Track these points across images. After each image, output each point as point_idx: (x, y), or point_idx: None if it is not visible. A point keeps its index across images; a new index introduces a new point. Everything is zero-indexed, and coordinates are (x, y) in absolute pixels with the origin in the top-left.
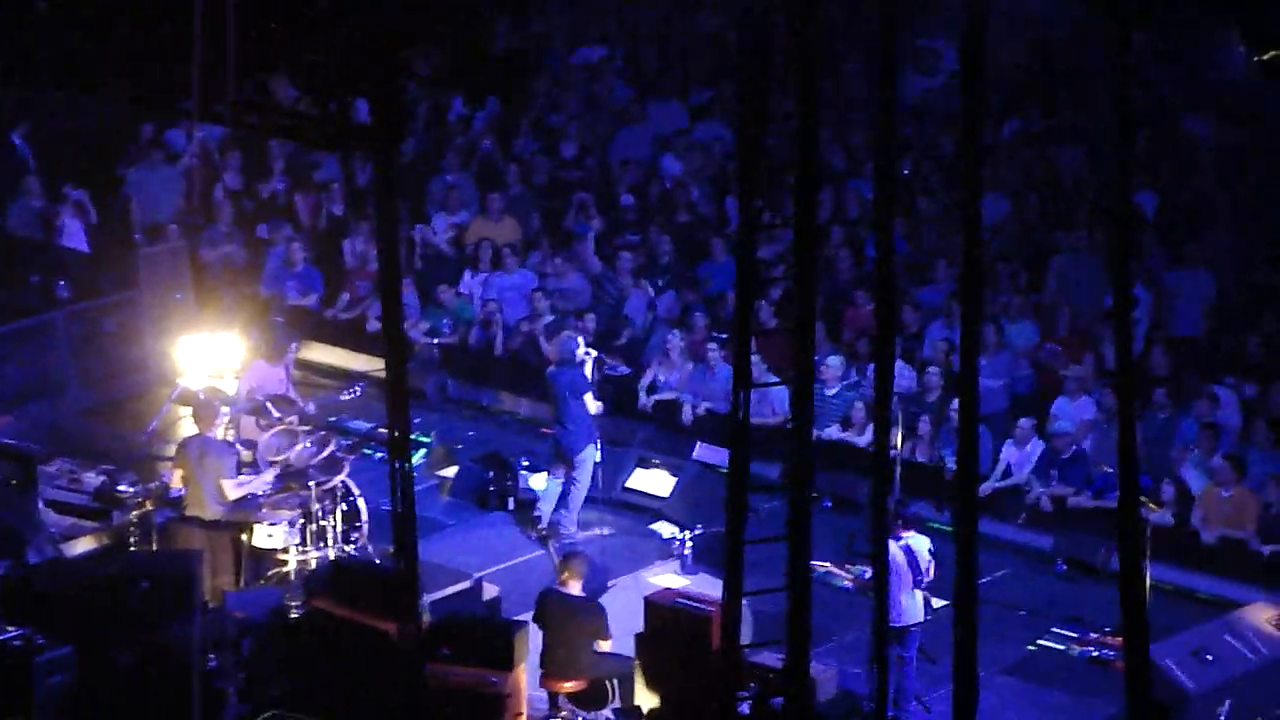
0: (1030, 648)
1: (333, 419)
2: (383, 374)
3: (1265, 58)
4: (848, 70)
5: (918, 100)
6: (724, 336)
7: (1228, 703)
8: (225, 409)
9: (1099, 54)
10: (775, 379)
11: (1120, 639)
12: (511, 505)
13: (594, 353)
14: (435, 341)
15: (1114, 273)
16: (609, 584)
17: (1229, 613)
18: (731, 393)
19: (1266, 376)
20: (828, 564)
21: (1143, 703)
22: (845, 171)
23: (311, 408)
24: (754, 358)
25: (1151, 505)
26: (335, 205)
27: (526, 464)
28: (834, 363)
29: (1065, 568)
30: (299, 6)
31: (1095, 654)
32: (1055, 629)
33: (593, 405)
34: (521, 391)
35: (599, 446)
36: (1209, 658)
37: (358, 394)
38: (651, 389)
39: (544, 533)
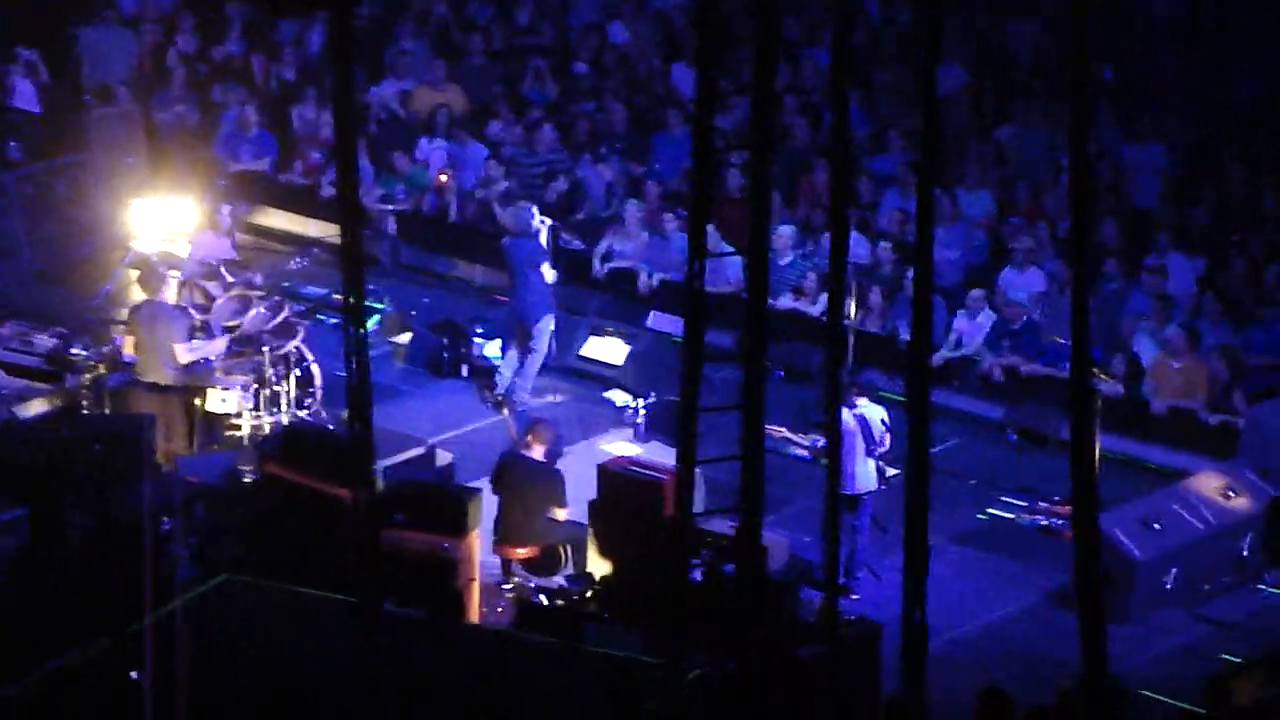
0: (981, 516)
1: (286, 284)
2: (337, 240)
3: None
4: None
5: None
6: (682, 213)
7: (1174, 571)
8: (177, 273)
9: None
10: (730, 249)
11: (1070, 508)
12: (465, 372)
13: (549, 221)
14: (389, 208)
15: (1072, 144)
16: (563, 452)
17: (1177, 482)
18: (687, 262)
19: (1215, 248)
20: (783, 430)
21: (1091, 571)
22: (801, 40)
23: (258, 278)
24: (709, 227)
25: (1103, 376)
26: (287, 70)
27: (480, 331)
28: (786, 231)
29: (1016, 437)
30: None
31: (1045, 523)
32: (1006, 498)
33: (549, 275)
34: (476, 258)
35: (555, 316)
36: (1157, 526)
37: (304, 264)
38: (606, 257)
39: (499, 399)
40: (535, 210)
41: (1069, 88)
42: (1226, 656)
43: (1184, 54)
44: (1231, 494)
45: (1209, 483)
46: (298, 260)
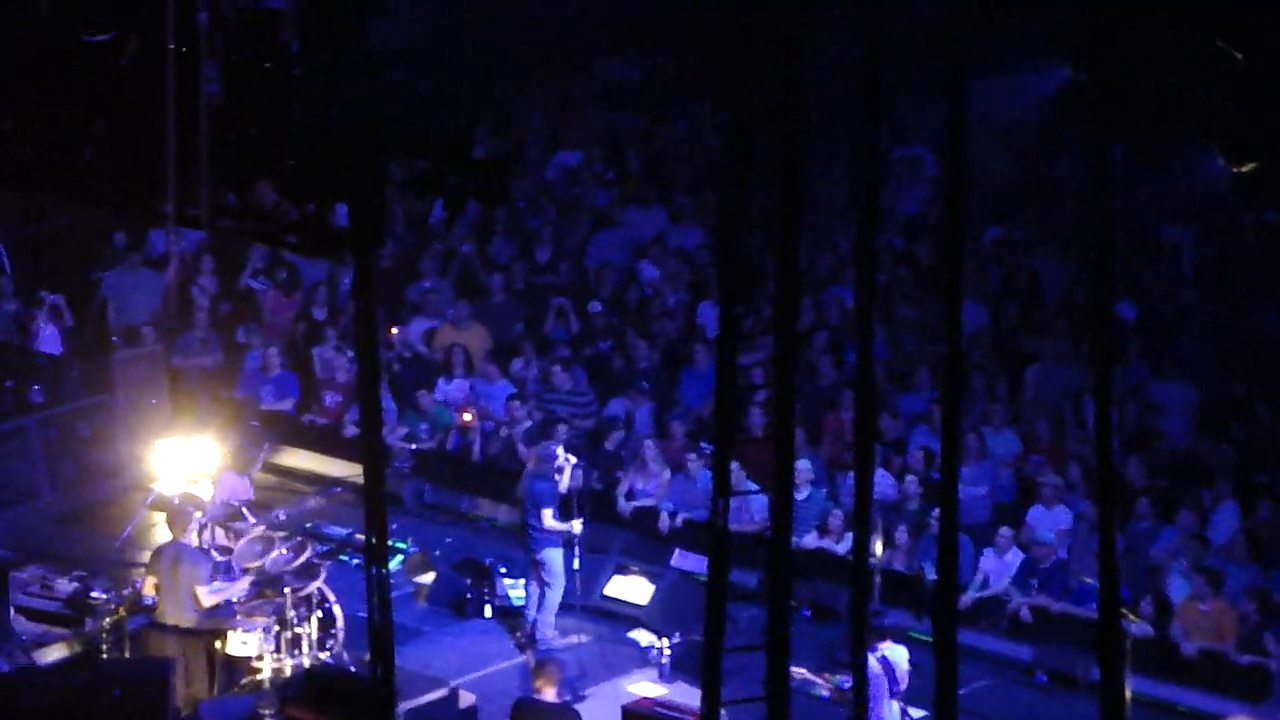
0: None
1: (309, 525)
2: (359, 479)
3: (1244, 170)
4: (830, 175)
5: (899, 206)
6: (706, 448)
7: None
8: (200, 515)
9: (1081, 163)
10: (754, 486)
11: None
12: (489, 612)
13: (574, 459)
14: (413, 446)
15: (1096, 382)
16: (586, 692)
17: None
18: (710, 500)
19: (1244, 488)
20: (805, 671)
21: None
22: (827, 277)
23: (282, 515)
24: (733, 465)
25: (1131, 617)
26: (317, 309)
27: (504, 570)
28: (802, 466)
29: (1045, 679)
30: (277, 111)
31: None
32: None
33: (548, 519)
34: (499, 497)
35: (575, 550)
36: None
37: (323, 501)
38: (630, 496)
39: (522, 640)
40: (559, 449)
41: (1092, 324)
42: None
43: (1207, 290)
44: None
45: None
46: (316, 498)
